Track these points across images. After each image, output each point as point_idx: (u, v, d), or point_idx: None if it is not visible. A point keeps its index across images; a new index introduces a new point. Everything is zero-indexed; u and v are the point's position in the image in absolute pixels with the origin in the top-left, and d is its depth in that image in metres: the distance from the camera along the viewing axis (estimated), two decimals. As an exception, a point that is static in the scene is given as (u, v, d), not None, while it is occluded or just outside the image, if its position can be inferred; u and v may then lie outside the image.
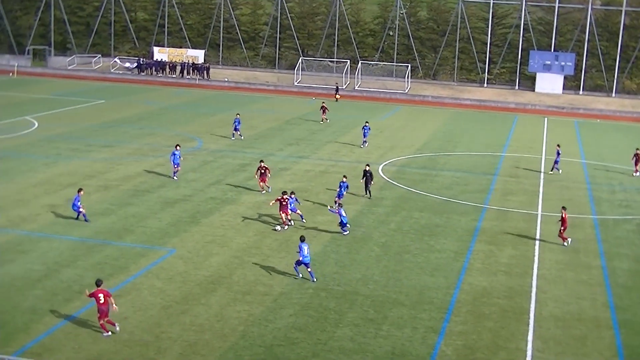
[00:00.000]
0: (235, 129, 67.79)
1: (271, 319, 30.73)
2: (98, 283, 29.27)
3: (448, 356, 28.04)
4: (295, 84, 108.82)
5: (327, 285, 34.49)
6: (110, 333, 28.68)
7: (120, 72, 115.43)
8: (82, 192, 42.19)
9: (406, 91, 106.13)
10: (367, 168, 49.65)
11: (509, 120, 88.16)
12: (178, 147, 52.77)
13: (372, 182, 49.41)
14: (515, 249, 40.94)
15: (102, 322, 28.71)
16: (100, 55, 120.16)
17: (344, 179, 46.90)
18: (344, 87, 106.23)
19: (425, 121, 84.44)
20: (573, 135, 79.91)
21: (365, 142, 66.78)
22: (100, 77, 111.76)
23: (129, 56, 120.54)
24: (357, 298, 33.25)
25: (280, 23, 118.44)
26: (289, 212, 42.52)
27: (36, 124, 71.06)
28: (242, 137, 67.67)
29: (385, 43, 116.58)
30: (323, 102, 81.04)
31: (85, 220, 41.88)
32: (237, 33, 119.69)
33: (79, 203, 41.77)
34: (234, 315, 30.86)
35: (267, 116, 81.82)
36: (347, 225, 42.02)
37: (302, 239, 35.62)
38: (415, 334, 29.92)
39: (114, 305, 29.06)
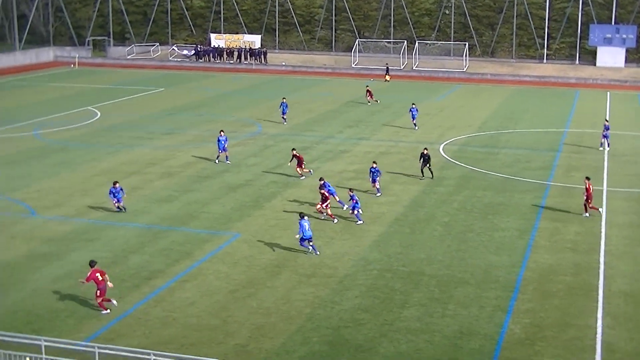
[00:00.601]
0: (283, 113, 67.74)
1: (337, 300, 30.78)
2: (92, 264, 29.72)
3: (516, 334, 27.84)
4: (353, 66, 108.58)
5: (392, 266, 34.45)
6: (109, 310, 29.29)
7: (179, 59, 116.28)
8: (117, 184, 41.77)
9: (464, 70, 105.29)
10: (425, 152, 49.21)
11: (570, 96, 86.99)
12: (222, 133, 52.99)
13: (430, 164, 48.84)
14: (581, 226, 40.43)
15: (100, 300, 29.29)
16: (158, 44, 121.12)
17: (374, 165, 46.21)
18: (401, 67, 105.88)
19: (484, 99, 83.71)
20: (637, 109, 78.67)
21: (415, 124, 65.78)
22: (159, 66, 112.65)
23: (186, 44, 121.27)
24: (422, 278, 33.17)
25: (335, 5, 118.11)
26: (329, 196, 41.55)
27: (98, 114, 71.91)
28: (285, 123, 67.59)
29: (442, 22, 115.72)
30: (367, 86, 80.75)
31: (119, 209, 41.60)
32: (292, 17, 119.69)
33: (119, 195, 41.41)
34: (300, 298, 30.98)
35: (325, 99, 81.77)
36: (359, 210, 41.12)
37: (302, 216, 35.93)
38: (482, 312, 29.76)
39: (109, 283, 29.59)
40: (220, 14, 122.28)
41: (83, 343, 24.64)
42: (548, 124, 69.09)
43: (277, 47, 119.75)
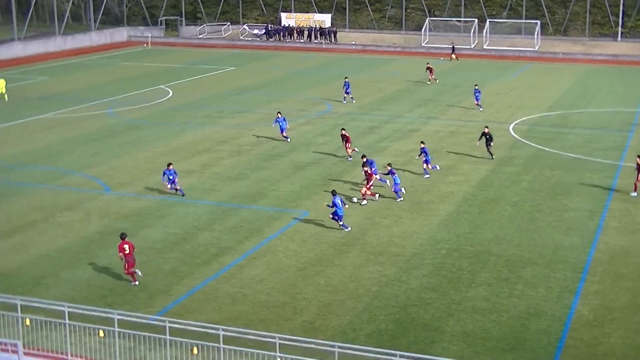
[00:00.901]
0: (346, 92, 67.37)
1: (404, 279, 30.81)
2: (122, 236, 30.42)
3: (584, 316, 27.57)
4: (423, 44, 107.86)
5: (460, 246, 34.34)
6: (137, 282, 30.17)
7: (249, 39, 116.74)
8: (171, 166, 41.41)
9: (536, 48, 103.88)
10: (486, 130, 48.74)
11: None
12: (279, 114, 53.53)
13: (492, 144, 48.43)
14: (653, 207, 39.84)
15: (130, 271, 30.24)
16: (229, 23, 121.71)
17: (422, 145, 45.75)
18: (471, 46, 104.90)
19: (556, 79, 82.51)
20: None
21: (479, 105, 64.71)
22: (230, 45, 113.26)
23: (257, 23, 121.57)
24: (490, 258, 33.00)
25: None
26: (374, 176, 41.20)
27: (170, 93, 72.67)
28: (354, 101, 67.34)
29: (513, 0, 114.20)
30: (428, 63, 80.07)
31: (175, 191, 41.55)
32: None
33: (172, 177, 40.96)
34: (368, 276, 31.07)
35: (395, 78, 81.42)
36: (401, 190, 41.03)
37: (334, 193, 36.30)
38: (550, 293, 29.52)
39: (139, 271, 30.60)
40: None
41: (154, 317, 25.02)
42: (621, 103, 67.86)
43: (347, 26, 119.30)
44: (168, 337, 22.22)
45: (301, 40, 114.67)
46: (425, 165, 44.99)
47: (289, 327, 26.41)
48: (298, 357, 21.48)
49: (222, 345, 21.70)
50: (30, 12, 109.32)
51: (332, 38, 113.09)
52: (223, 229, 36.39)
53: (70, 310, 23.14)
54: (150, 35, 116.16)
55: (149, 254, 33.29)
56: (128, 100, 68.71)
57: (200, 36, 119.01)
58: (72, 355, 22.57)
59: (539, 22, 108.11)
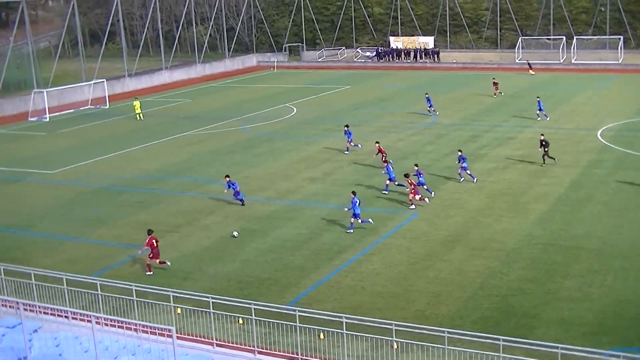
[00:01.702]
0: (430, 106, 66.53)
1: (505, 271, 30.35)
2: (149, 232, 32.05)
3: (672, 304, 26.70)
4: (517, 61, 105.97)
5: (554, 241, 33.62)
6: (152, 272, 31.68)
7: (362, 60, 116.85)
8: (228, 178, 41.23)
9: (620, 62, 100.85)
10: (542, 137, 47.30)
11: None
12: (347, 127, 53.39)
13: (547, 149, 46.52)
14: None
15: (157, 261, 31.84)
16: (344, 47, 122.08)
17: (460, 152, 44.76)
18: (561, 61, 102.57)
19: (638, 88, 79.87)
20: None
21: (545, 114, 62.53)
22: (345, 66, 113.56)
23: (368, 46, 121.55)
24: (582, 252, 32.20)
25: (499, 7, 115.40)
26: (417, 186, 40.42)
27: (295, 110, 73.29)
28: (437, 112, 66.48)
29: (598, 18, 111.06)
30: (494, 78, 78.40)
31: (241, 202, 41.21)
32: (461, 19, 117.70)
33: (235, 187, 40.88)
34: (472, 269, 30.71)
35: (491, 92, 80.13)
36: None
37: (354, 193, 36.42)
38: (639, 283, 28.66)
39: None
40: (397, 19, 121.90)
41: (286, 306, 25.27)
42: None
43: (448, 46, 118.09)
44: (298, 324, 22.39)
45: (408, 60, 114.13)
46: (461, 171, 44.12)
47: (403, 315, 26.30)
48: (412, 341, 21.42)
49: (345, 331, 21.76)
50: (175, 45, 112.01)
51: (435, 57, 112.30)
52: (344, 229, 36.48)
53: (214, 301, 23.57)
54: (276, 60, 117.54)
55: (279, 252, 33.65)
56: (258, 117, 69.58)
57: (319, 59, 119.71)
58: (216, 340, 22.96)
59: (622, 37, 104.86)
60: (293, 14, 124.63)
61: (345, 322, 21.72)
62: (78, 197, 44.98)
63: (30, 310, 17.78)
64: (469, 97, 75.85)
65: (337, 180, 45.67)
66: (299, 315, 22.49)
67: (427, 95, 67.64)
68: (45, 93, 78.44)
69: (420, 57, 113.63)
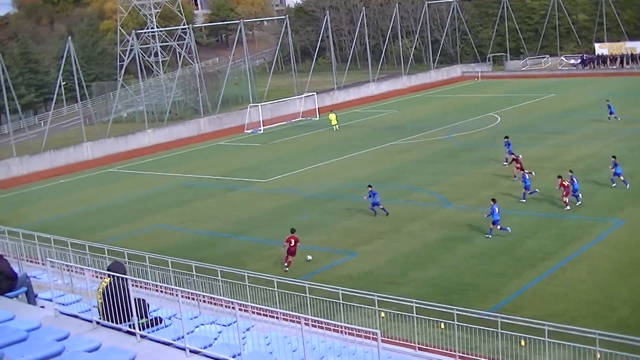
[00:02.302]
0: (610, 113, 63.65)
1: None
2: (292, 230, 33.71)
3: None
4: None
5: None
6: (287, 270, 33.04)
7: (566, 68, 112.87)
8: (370, 188, 41.21)
9: None
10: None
11: None
12: (507, 138, 51.74)
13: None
14: None
15: (289, 259, 33.33)
16: (548, 56, 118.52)
17: (613, 159, 42.84)
18: None
19: None
20: None
21: (610, 117, 62.80)
22: (549, 74, 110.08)
23: (573, 54, 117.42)
24: None
25: None
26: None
27: (499, 119, 72.01)
28: (619, 118, 63.32)
29: None
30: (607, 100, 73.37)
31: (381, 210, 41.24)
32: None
33: (374, 197, 40.96)
34: (681, 279, 28.91)
35: None
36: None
37: (494, 201, 36.27)
38: None
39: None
40: (603, 25, 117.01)
41: (487, 313, 24.82)
42: None
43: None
44: (499, 330, 22.00)
45: (614, 67, 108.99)
46: (615, 176, 42.41)
47: (605, 324, 25.06)
48: (615, 352, 20.42)
49: (546, 339, 21.15)
50: (382, 58, 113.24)
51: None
52: (547, 236, 35.42)
53: (418, 305, 23.58)
54: (480, 70, 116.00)
55: (481, 258, 33.17)
56: (462, 127, 68.93)
57: (523, 68, 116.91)
58: (418, 344, 22.95)
59: None
60: (497, 24, 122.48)
61: (548, 329, 21.08)
62: (289, 204, 46.46)
63: (244, 310, 18.52)
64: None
65: (541, 188, 44.09)
66: (500, 321, 22.07)
67: (608, 102, 64.84)
68: (259, 107, 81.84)
69: (627, 63, 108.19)
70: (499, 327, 21.98)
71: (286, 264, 33.54)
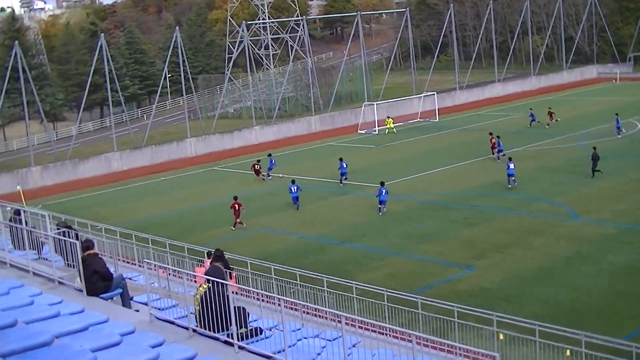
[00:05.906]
0: (618, 127, 64.33)
1: None
2: (235, 197, 45.47)
3: None
4: None
5: None
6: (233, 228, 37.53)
7: None
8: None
9: None
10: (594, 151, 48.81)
11: None
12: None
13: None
14: None
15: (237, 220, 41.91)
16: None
17: None
18: None
19: None
20: None
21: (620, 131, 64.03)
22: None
23: None
24: None
25: None
26: None
27: (638, 125, 69.66)
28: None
29: None
30: (549, 108, 74.81)
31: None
32: None
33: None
34: None
35: None
36: None
37: None
38: None
39: None
40: None
41: (620, 341, 23.82)
42: None
43: None
44: (634, 360, 21.16)
45: None
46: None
47: None
48: None
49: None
50: (509, 57, 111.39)
51: None
52: (689, 258, 33.95)
53: (540, 328, 22.90)
54: (618, 71, 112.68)
55: (613, 278, 32.00)
56: (596, 133, 66.95)
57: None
58: (542, 371, 22.29)
59: None
60: None
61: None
62: (402, 211, 46.12)
63: (351, 324, 18.37)
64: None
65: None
66: (635, 352, 21.18)
67: (617, 116, 64.50)
68: (375, 106, 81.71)
69: None
70: (634, 358, 21.10)
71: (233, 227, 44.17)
